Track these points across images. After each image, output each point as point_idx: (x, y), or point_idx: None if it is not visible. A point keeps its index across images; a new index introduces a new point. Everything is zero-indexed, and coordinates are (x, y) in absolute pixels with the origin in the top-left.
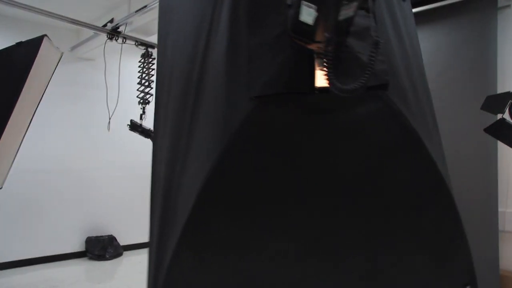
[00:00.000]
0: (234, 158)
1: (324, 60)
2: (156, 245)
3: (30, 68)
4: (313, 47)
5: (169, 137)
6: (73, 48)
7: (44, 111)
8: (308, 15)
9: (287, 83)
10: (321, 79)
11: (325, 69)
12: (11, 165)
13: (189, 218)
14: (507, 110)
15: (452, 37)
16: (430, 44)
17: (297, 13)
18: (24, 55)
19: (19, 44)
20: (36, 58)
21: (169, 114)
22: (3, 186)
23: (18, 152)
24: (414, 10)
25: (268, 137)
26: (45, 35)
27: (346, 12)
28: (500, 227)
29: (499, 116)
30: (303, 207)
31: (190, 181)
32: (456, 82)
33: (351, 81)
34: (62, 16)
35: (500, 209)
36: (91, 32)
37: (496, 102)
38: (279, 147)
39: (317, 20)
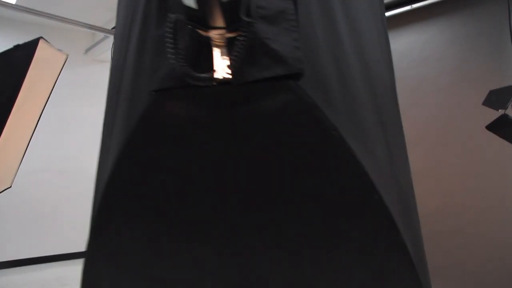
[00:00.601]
0: (133, 156)
1: (223, 48)
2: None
3: (27, 70)
4: (211, 34)
5: (102, 135)
6: (87, 50)
7: (59, 112)
8: None
9: (184, 75)
10: (221, 70)
11: (224, 58)
12: (19, 165)
13: (97, 219)
14: (510, 106)
15: (467, 29)
16: (444, 37)
17: None
18: (21, 57)
19: (17, 46)
20: (33, 60)
21: (106, 111)
22: (17, 186)
23: (34, 152)
24: (427, 2)
25: (168, 135)
26: (41, 37)
27: None
28: None
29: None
30: (212, 210)
31: (103, 181)
32: (471, 76)
33: (257, 70)
34: (65, 18)
35: None
36: (102, 34)
37: (498, 96)
38: (180, 145)
39: (199, 2)
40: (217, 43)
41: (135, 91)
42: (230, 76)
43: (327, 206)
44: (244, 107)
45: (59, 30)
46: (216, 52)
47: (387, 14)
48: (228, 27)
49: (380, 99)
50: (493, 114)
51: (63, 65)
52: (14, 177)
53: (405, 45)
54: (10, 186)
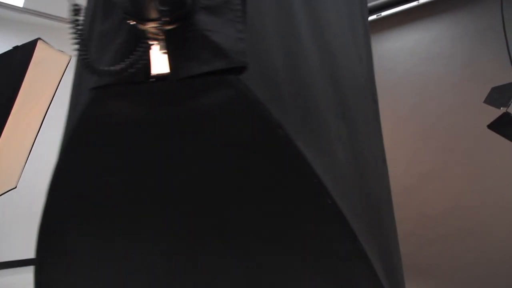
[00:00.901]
0: (76, 157)
1: (161, 41)
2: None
3: (25, 71)
4: (148, 27)
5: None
6: None
7: (65, 112)
8: None
9: (89, 69)
10: (159, 65)
11: (164, 52)
12: (24, 166)
13: (44, 223)
14: None
15: (476, 24)
16: (452, 33)
17: None
18: (19, 58)
19: (15, 48)
20: (32, 61)
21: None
22: (22, 186)
23: (39, 153)
24: None
25: (109, 133)
26: (39, 38)
27: None
28: None
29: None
30: (158, 213)
31: None
32: (481, 74)
33: (196, 64)
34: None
35: None
36: None
37: (501, 94)
38: (121, 144)
39: None
40: (155, 37)
41: (79, 89)
42: (169, 71)
43: (277, 210)
44: (184, 104)
45: (66, 31)
46: (155, 46)
47: (393, 11)
48: (165, 19)
49: (347, 94)
50: None
51: (67, 66)
52: (19, 178)
53: (411, 43)
54: (15, 187)
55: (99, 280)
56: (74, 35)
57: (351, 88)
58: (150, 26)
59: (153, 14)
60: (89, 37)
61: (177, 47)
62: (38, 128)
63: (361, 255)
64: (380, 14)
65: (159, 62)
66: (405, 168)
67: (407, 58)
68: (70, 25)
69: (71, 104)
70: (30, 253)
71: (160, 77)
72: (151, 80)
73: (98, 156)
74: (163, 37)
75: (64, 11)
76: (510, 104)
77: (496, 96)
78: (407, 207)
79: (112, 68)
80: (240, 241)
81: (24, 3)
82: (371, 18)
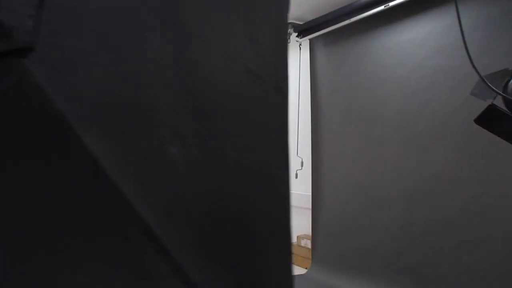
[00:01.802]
0: None
1: None
2: None
3: None
4: None
5: None
6: None
7: None
8: None
9: None
10: None
11: None
12: None
13: None
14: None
15: (490, 11)
16: (466, 21)
17: None
18: None
19: None
20: None
21: None
22: None
23: None
24: None
25: None
26: None
27: None
28: None
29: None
30: None
31: None
32: (498, 63)
33: None
34: None
35: None
36: None
37: (491, 83)
38: None
39: None
40: None
41: None
42: None
43: (75, 218)
44: None
45: None
46: None
47: (402, 0)
48: None
49: (210, 83)
50: None
51: None
52: None
53: (421, 35)
54: None
55: None
56: None
57: (222, 77)
58: None
59: None
60: None
61: None
62: None
63: (182, 278)
64: (388, 5)
65: None
66: (414, 169)
67: (417, 51)
68: None
69: None
70: None
71: None
72: None
73: None
74: None
75: None
76: (496, 95)
77: (484, 86)
78: (415, 211)
79: None
80: (44, 255)
81: None
82: (378, 9)
